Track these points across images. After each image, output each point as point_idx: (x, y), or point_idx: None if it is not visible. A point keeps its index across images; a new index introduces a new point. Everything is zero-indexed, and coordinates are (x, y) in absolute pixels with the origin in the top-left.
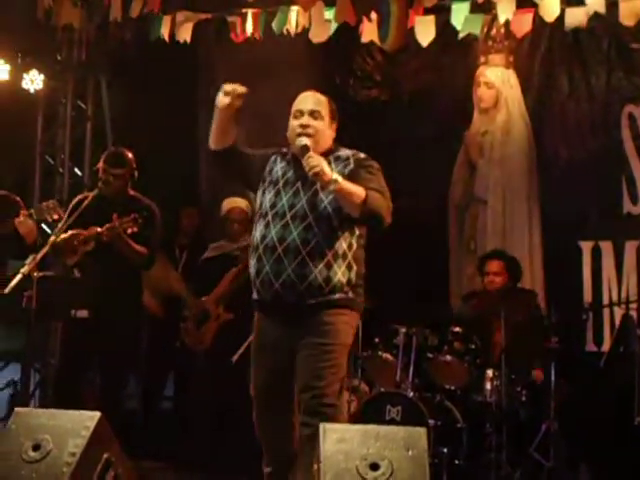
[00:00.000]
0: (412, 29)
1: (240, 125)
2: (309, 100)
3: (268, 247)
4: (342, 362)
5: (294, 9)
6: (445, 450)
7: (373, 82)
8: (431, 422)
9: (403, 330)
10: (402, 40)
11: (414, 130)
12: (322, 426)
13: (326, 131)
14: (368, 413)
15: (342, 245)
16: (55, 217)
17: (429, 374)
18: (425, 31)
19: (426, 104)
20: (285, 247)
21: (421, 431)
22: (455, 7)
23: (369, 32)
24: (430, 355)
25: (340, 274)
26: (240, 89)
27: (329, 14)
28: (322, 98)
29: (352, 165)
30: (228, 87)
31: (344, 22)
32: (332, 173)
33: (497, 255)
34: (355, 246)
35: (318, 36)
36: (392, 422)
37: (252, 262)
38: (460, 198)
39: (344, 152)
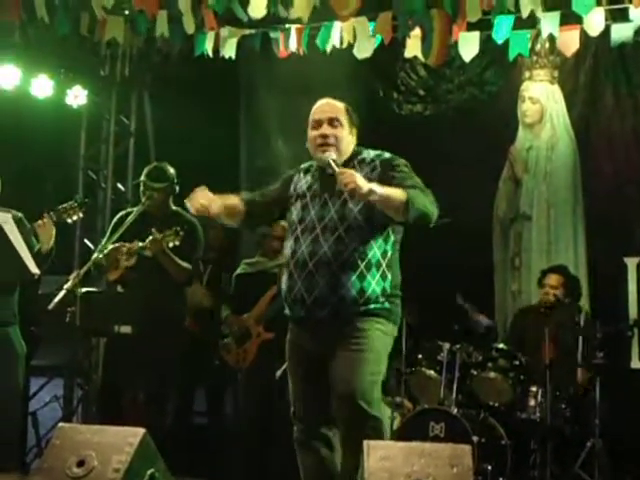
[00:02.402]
0: (456, 44)
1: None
2: (326, 108)
3: (299, 262)
4: (379, 370)
5: (337, 24)
6: (489, 467)
7: (417, 97)
8: (475, 439)
9: (447, 347)
10: (445, 55)
11: (458, 145)
12: (366, 443)
13: (347, 137)
14: (411, 430)
15: (376, 254)
16: (74, 218)
17: (473, 391)
18: (468, 46)
19: (470, 119)
20: (316, 261)
21: (466, 448)
22: (497, 22)
23: (413, 47)
24: (474, 372)
25: (374, 284)
26: (201, 206)
27: (371, 29)
28: (339, 105)
29: (379, 168)
30: (190, 206)
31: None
32: (368, 184)
33: (558, 269)
34: (389, 253)
35: (363, 52)
36: (436, 439)
37: (284, 279)
38: (505, 214)
39: (367, 154)
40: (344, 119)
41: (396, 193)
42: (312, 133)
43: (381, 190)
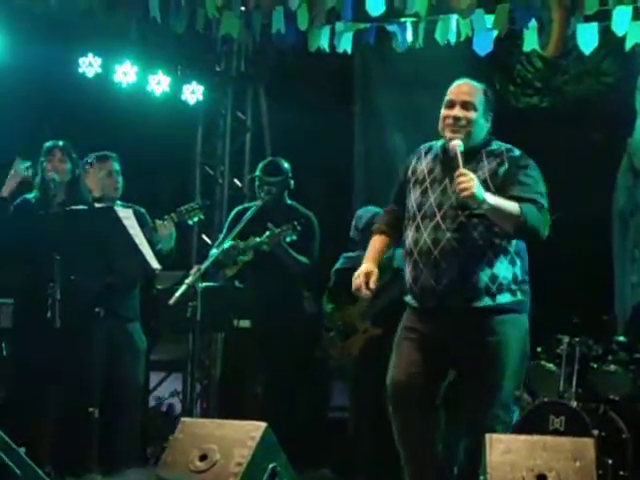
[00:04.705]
0: (574, 35)
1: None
2: (463, 89)
3: (423, 251)
4: (516, 372)
5: (454, 17)
6: (610, 461)
7: (534, 89)
8: (595, 432)
9: (566, 340)
10: (562, 47)
11: (575, 137)
12: (488, 437)
13: (479, 121)
14: (531, 423)
15: (502, 240)
16: (195, 219)
17: (593, 384)
18: (588, 39)
19: (587, 110)
20: (441, 249)
21: (588, 442)
22: (617, 13)
23: (530, 41)
24: (594, 365)
25: (504, 270)
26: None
27: (489, 22)
28: (476, 87)
29: (507, 165)
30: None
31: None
32: (484, 194)
33: None
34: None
35: (483, 48)
36: (555, 432)
37: (408, 268)
38: (623, 206)
39: (498, 146)
40: (479, 102)
41: (510, 208)
42: (444, 112)
43: (495, 202)
